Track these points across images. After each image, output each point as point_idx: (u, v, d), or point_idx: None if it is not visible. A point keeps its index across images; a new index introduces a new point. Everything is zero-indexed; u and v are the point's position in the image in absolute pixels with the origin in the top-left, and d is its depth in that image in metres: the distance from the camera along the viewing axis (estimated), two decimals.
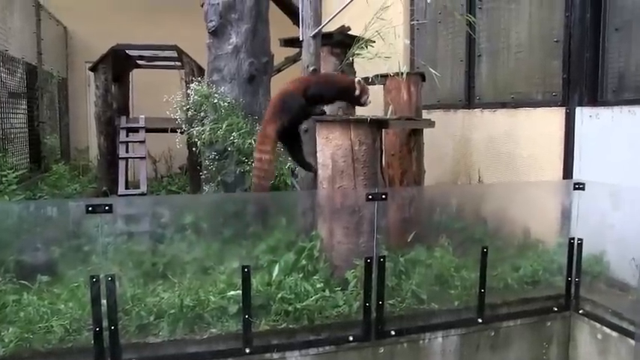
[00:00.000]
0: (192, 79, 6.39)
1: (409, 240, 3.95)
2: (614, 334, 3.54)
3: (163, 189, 8.15)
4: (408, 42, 6.46)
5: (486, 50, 5.71)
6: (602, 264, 3.96)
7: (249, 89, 5.42)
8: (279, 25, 6.66)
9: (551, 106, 4.73)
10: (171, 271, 3.46)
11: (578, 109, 4.46)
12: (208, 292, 3.29)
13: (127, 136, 7.47)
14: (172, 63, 8.35)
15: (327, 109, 4.30)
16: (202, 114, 5.28)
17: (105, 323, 2.94)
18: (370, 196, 3.40)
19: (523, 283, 3.91)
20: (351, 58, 4.43)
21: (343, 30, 5.51)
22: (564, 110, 4.57)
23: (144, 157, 7.23)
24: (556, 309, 3.86)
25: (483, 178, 5.51)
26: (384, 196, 3.41)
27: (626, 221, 3.64)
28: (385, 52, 4.32)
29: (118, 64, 8.01)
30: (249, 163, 4.95)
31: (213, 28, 5.50)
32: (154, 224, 3.45)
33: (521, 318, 3.75)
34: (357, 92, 3.96)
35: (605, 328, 3.61)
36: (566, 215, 3.98)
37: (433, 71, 4.47)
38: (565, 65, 4.61)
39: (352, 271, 3.53)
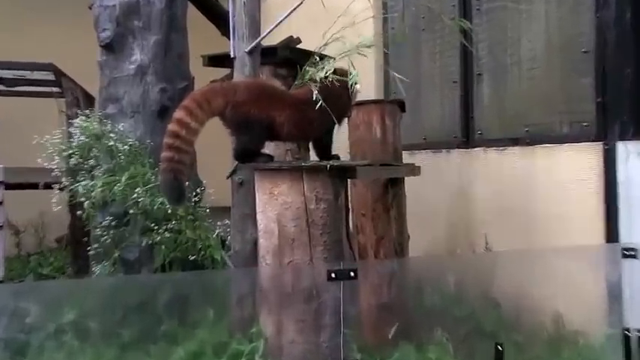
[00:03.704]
0: (76, 112, 6.29)
1: (391, 335, 3.92)
2: None
3: (30, 272, 7.94)
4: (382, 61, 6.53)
5: (489, 67, 5.79)
6: None
7: (159, 126, 5.34)
8: (202, 36, 6.65)
9: (581, 142, 4.77)
10: None
11: (620, 145, 4.50)
12: None
13: None
14: (47, 89, 8.22)
15: (271, 150, 4.29)
16: (92, 162, 5.22)
17: None
18: (333, 274, 3.35)
19: None
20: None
21: (291, 42, 5.53)
22: (601, 146, 4.62)
23: (1, 227, 7.04)
24: None
25: (492, 244, 5.51)
26: (352, 274, 3.36)
27: None
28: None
29: None
30: (160, 231, 4.91)
31: (107, 40, 5.49)
32: (13, 326, 3.31)
33: None
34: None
35: None
36: (613, 294, 3.96)
37: (398, 76, 4.43)
38: (599, 84, 4.68)
39: None
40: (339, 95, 3.97)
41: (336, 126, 4.11)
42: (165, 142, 3.68)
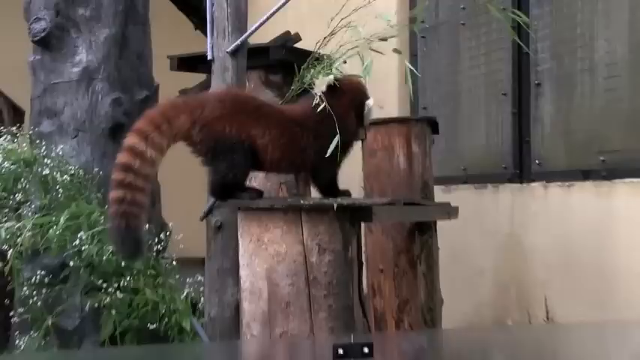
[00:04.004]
0: None
1: None
2: None
3: None
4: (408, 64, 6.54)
5: (551, 75, 5.79)
6: None
7: (111, 149, 5.34)
8: (169, 30, 6.69)
9: None
10: None
11: None
12: None
13: None
14: None
15: (260, 184, 4.31)
16: (19, 196, 5.24)
17: None
18: (341, 351, 3.30)
19: None
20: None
21: (287, 40, 5.56)
22: None
23: None
24: None
25: (554, 312, 5.48)
26: (366, 350, 3.33)
27: None
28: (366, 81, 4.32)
29: None
30: (110, 290, 4.90)
31: (41, 34, 5.50)
32: None
33: None
34: None
35: None
36: None
37: (410, 66, 4.40)
38: None
39: None
40: (344, 111, 3.95)
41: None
42: (114, 179, 3.65)
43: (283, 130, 3.90)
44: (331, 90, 3.92)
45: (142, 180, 3.68)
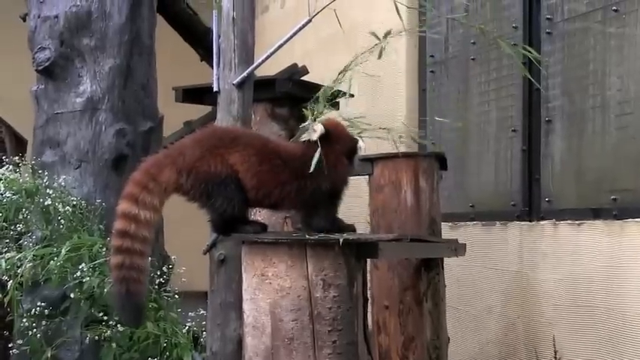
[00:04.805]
0: (0, 159, 6.30)
1: None
2: None
3: None
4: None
5: (562, 111, 5.78)
6: None
7: (114, 180, 5.39)
8: (175, 61, 6.68)
9: None
10: None
11: None
12: None
13: None
14: None
15: (265, 217, 4.31)
16: (20, 227, 5.23)
17: None
18: None
19: None
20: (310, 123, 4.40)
21: (295, 73, 5.58)
22: None
23: None
24: None
25: (562, 353, 5.43)
26: None
27: None
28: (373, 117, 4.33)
29: None
30: (111, 323, 4.89)
31: (45, 64, 5.51)
32: None
33: None
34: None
35: None
36: None
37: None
38: None
39: None
40: (337, 159, 3.91)
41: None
42: (113, 245, 3.67)
43: (262, 158, 3.87)
44: (323, 137, 3.86)
45: (140, 243, 3.70)
